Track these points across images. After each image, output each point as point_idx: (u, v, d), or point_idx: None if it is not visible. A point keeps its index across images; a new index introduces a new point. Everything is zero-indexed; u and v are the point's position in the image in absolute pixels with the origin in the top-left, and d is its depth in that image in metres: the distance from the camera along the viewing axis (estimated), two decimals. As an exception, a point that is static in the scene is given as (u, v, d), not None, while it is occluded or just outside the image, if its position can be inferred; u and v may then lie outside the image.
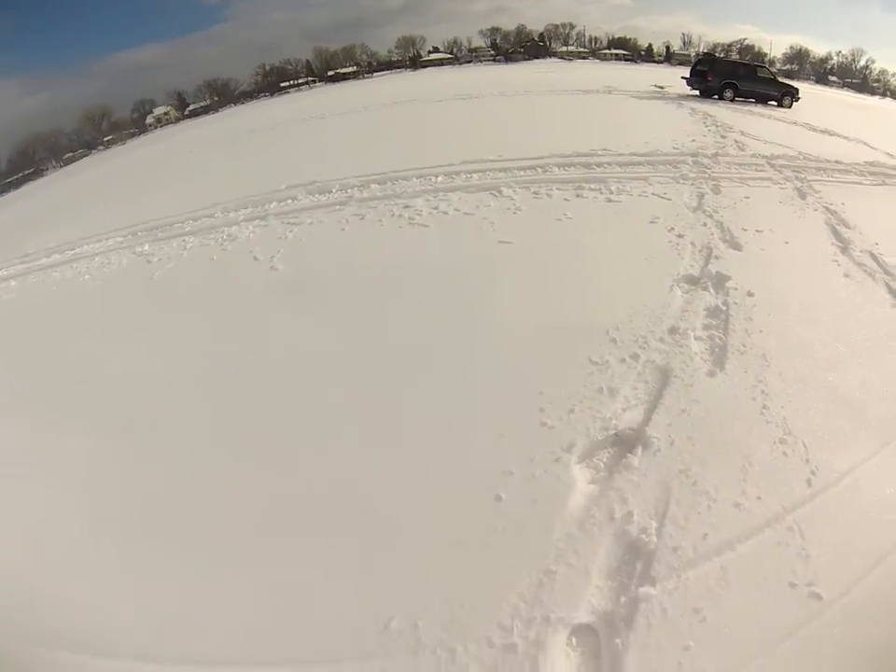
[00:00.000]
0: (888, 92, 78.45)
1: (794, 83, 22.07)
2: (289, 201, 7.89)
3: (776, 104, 19.41)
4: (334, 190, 7.83)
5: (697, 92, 20.45)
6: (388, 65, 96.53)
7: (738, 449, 2.85)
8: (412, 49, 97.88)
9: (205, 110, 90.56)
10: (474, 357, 3.66)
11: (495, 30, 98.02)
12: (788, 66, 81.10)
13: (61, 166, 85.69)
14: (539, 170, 7.52)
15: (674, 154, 8.75)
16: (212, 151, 18.10)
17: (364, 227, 6.17)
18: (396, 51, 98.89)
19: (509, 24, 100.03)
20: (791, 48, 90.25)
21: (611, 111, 14.97)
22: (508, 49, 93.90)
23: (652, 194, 6.58)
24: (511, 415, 3.08)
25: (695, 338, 3.69)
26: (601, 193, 6.54)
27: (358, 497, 2.73)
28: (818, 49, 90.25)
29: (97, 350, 4.76)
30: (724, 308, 4.03)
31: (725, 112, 15.40)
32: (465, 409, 3.21)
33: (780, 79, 20.63)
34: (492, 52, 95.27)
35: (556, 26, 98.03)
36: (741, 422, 3.03)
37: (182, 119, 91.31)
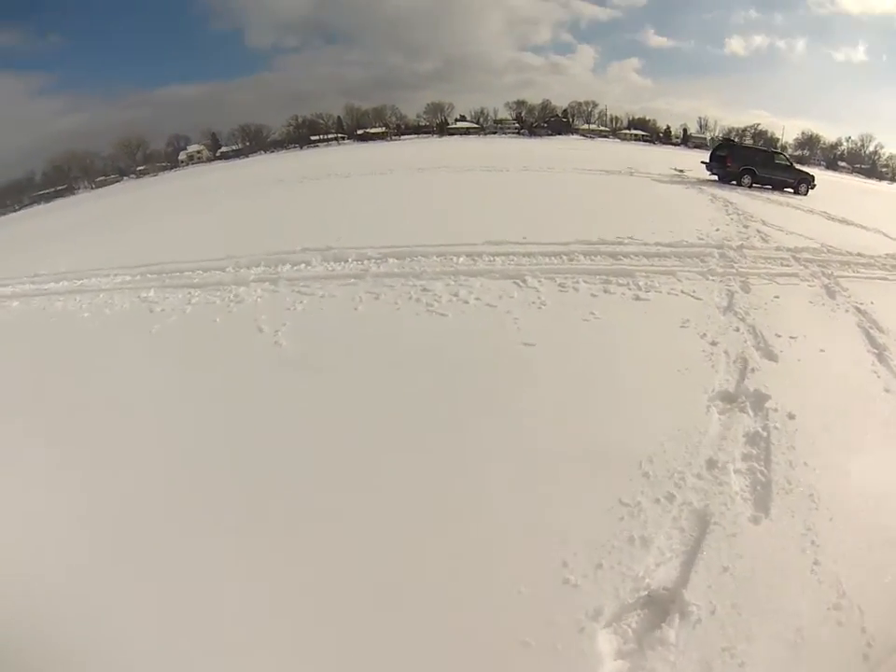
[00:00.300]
0: None
1: (807, 169, 22.23)
2: (303, 265, 7.68)
3: (792, 191, 19.52)
4: (350, 260, 7.60)
5: (716, 177, 20.67)
6: (416, 129, 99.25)
7: (789, 619, 2.41)
8: (440, 116, 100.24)
9: (236, 154, 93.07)
10: (486, 488, 3.18)
11: (520, 103, 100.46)
12: (799, 152, 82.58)
13: (92, 188, 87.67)
14: (565, 258, 7.27)
15: (700, 245, 8.56)
16: (236, 197, 18.22)
17: (378, 308, 5.86)
18: (424, 116, 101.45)
19: (534, 98, 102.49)
20: (803, 133, 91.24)
21: (635, 194, 14.91)
22: (532, 123, 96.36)
23: (682, 292, 6.29)
24: (529, 568, 2.61)
25: (735, 472, 3.26)
26: (629, 289, 6.25)
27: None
28: (828, 134, 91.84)
29: (75, 395, 4.70)
30: (765, 434, 3.62)
31: (744, 199, 15.43)
32: (475, 557, 2.72)
33: (796, 166, 20.81)
34: (516, 125, 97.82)
35: (580, 104, 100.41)
36: (791, 583, 2.59)
37: (213, 160, 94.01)
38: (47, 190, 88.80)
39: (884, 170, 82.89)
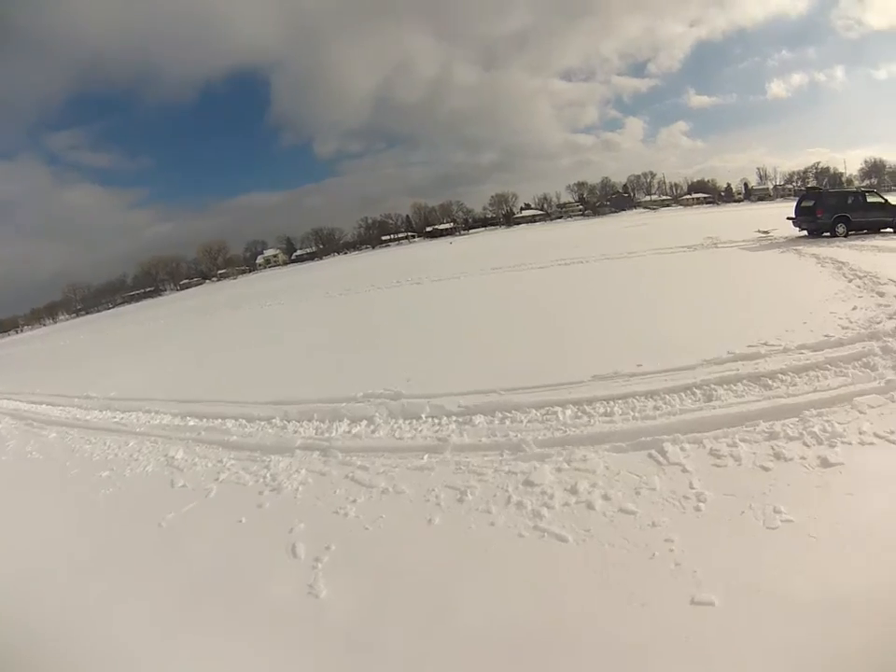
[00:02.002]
0: None
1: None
2: (364, 424, 6.06)
3: (892, 230, 17.09)
4: (424, 417, 5.86)
5: (806, 232, 18.44)
6: (483, 222, 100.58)
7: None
8: (504, 206, 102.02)
9: (310, 256, 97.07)
10: None
11: (581, 184, 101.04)
12: (866, 181, 77.19)
13: (177, 290, 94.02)
14: (700, 395, 5.26)
15: (850, 340, 6.43)
16: (300, 313, 17.67)
17: (463, 520, 3.85)
18: (490, 208, 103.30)
19: (593, 177, 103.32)
20: (866, 161, 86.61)
21: (733, 273, 12.84)
22: (595, 203, 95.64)
23: (877, 436, 4.13)
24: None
25: None
26: (806, 445, 4.11)
27: None
28: (893, 157, 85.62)
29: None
30: None
31: (853, 254, 13.41)
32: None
33: (891, 202, 17.83)
34: (580, 207, 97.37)
35: (637, 176, 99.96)
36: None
37: (288, 263, 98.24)
38: (136, 291, 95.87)
39: None
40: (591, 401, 5.39)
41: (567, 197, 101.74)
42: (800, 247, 16.00)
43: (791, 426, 4.46)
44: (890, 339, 6.22)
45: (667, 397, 5.29)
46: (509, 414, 5.47)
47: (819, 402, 4.84)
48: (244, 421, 7.03)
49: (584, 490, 3.87)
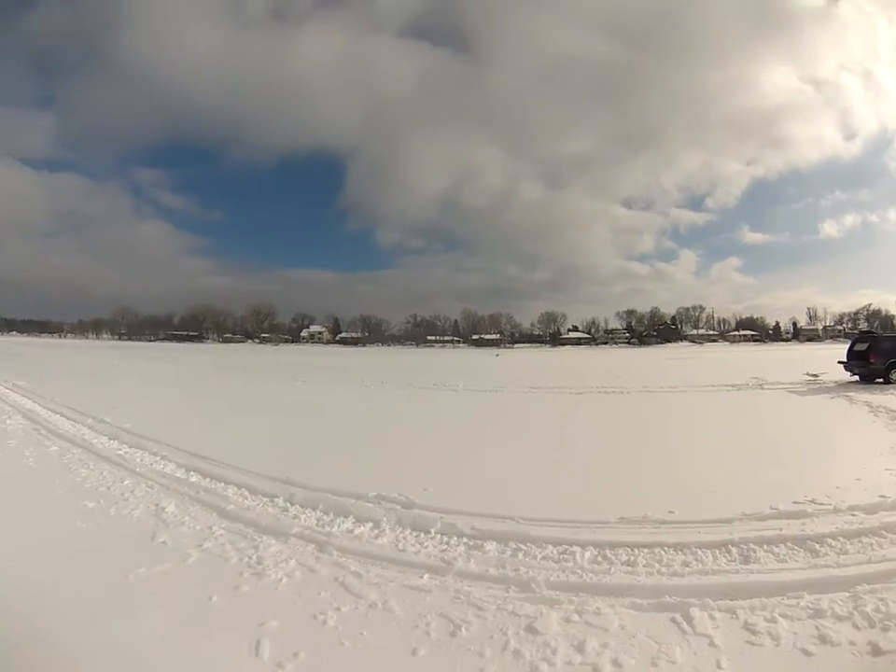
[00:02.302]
0: None
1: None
2: (369, 526, 5.58)
3: None
4: (433, 532, 5.38)
5: (858, 377, 17.78)
6: (529, 338, 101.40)
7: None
8: (552, 325, 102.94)
9: (355, 341, 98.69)
10: None
11: (630, 312, 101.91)
12: None
13: (219, 341, 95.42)
14: (736, 553, 4.69)
15: None
16: (333, 396, 17.24)
17: (449, 658, 3.32)
18: (538, 325, 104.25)
19: (642, 306, 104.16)
20: None
21: (777, 418, 12.24)
22: (642, 332, 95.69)
23: None
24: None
25: None
26: (857, 628, 3.50)
27: None
28: None
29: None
30: None
31: None
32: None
33: None
34: (626, 334, 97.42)
35: (687, 309, 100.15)
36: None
37: (332, 342, 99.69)
38: (180, 332, 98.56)
39: None
40: (614, 546, 4.86)
41: (615, 323, 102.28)
42: (851, 393, 15.38)
43: (840, 602, 3.88)
44: None
45: (699, 552, 4.72)
46: (523, 547, 4.97)
47: (872, 576, 4.25)
48: (246, 492, 6.73)
49: (593, 650, 3.33)
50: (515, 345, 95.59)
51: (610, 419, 12.64)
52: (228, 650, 3.38)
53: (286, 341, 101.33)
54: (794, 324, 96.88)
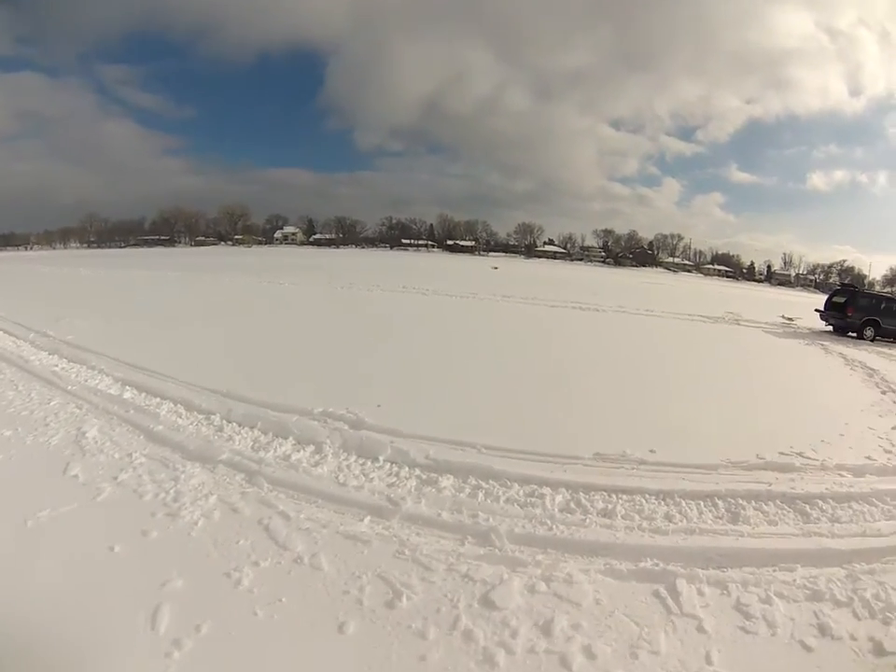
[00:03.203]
0: None
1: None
2: (310, 449, 5.00)
3: None
4: (381, 459, 4.76)
5: (832, 328, 17.97)
6: (505, 248, 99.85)
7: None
8: (529, 237, 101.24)
9: (328, 243, 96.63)
10: None
11: (608, 232, 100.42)
12: (889, 288, 76.68)
13: (191, 244, 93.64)
14: (722, 507, 4.15)
15: (894, 468, 5.39)
16: (295, 296, 16.31)
17: (383, 639, 2.71)
18: (514, 235, 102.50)
19: (621, 228, 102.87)
20: (892, 268, 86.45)
21: (756, 358, 11.87)
22: (618, 253, 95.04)
23: None
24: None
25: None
26: (857, 618, 2.99)
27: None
28: None
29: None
30: None
31: (882, 361, 12.77)
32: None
33: None
34: (602, 254, 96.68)
35: (665, 236, 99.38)
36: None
37: (306, 244, 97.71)
38: (151, 237, 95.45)
39: None
40: (588, 490, 4.28)
41: (591, 241, 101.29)
42: (826, 343, 15.21)
43: (839, 583, 3.39)
44: None
45: (683, 504, 4.19)
46: (484, 484, 4.36)
47: (869, 553, 3.79)
48: (181, 409, 6.05)
49: (561, 632, 2.76)
50: (490, 254, 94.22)
51: (585, 338, 12.12)
52: (121, 619, 2.73)
53: (259, 242, 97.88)
54: (769, 267, 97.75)
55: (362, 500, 4.11)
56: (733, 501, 4.31)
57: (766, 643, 2.85)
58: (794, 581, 3.36)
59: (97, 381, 7.20)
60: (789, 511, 4.30)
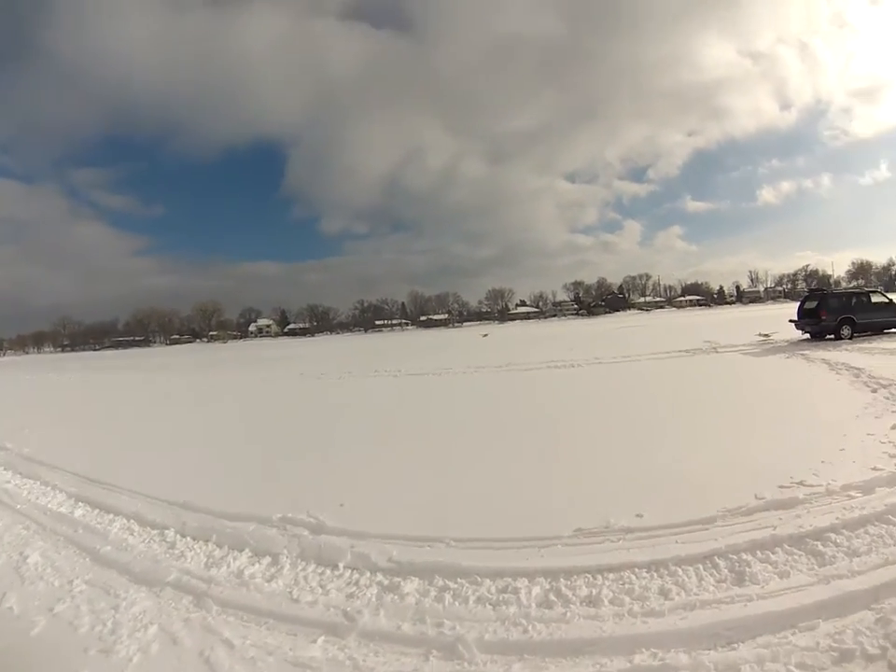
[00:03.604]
0: None
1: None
2: (266, 561, 4.52)
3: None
4: (341, 566, 4.25)
5: (809, 335, 18.19)
6: (478, 315, 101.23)
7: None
8: (500, 302, 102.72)
9: (303, 332, 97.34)
10: None
11: (577, 284, 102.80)
12: (854, 282, 79.21)
13: (166, 344, 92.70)
14: (724, 567, 3.64)
15: None
16: (267, 389, 15.60)
17: None
18: (486, 302, 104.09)
19: (590, 277, 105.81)
20: (853, 263, 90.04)
21: (738, 384, 11.62)
22: (590, 303, 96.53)
23: None
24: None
25: None
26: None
27: None
28: (878, 257, 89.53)
29: None
30: None
31: (864, 358, 12.92)
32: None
33: None
34: (575, 306, 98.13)
35: (633, 277, 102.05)
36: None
37: (281, 335, 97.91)
38: (126, 338, 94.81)
39: None
40: (569, 574, 3.76)
41: (562, 295, 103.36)
42: (806, 352, 15.18)
43: (868, 632, 2.91)
44: None
45: (680, 573, 3.69)
46: (452, 584, 3.82)
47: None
48: (134, 524, 5.61)
49: None
50: (464, 324, 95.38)
51: (560, 399, 11.67)
52: None
53: (234, 337, 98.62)
54: (737, 287, 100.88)
55: (316, 618, 3.59)
56: (735, 558, 3.81)
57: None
58: (817, 644, 2.86)
59: (49, 498, 6.83)
60: (800, 556, 3.82)
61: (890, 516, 4.24)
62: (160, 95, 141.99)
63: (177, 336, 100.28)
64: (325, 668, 3.03)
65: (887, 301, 17.83)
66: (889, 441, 6.11)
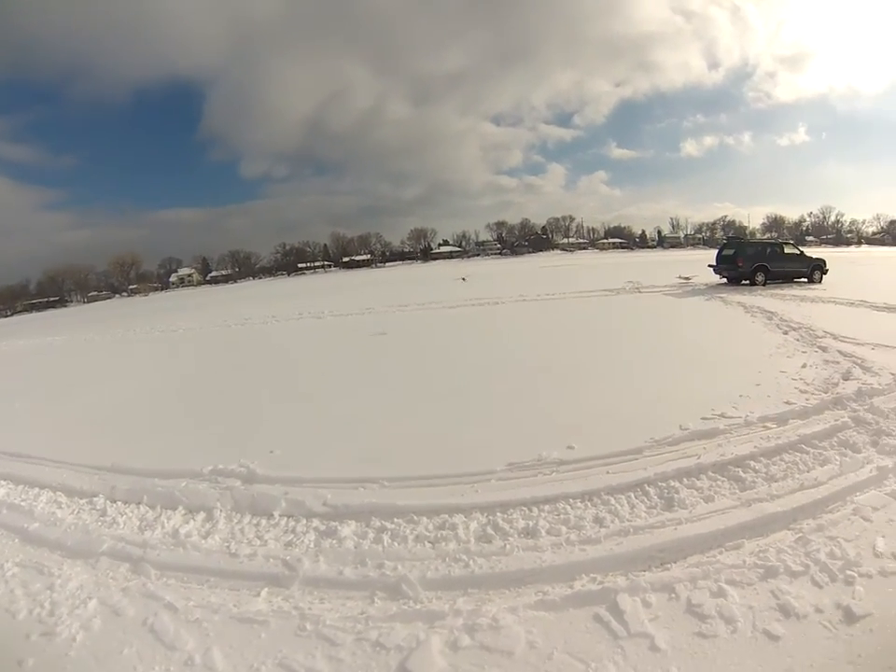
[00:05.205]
0: (862, 240, 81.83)
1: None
2: (200, 517, 4.43)
3: (806, 280, 18.33)
4: (276, 515, 4.24)
5: (726, 280, 19.47)
6: (401, 255, 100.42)
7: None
8: (423, 241, 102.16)
9: (225, 279, 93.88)
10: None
11: (500, 224, 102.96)
12: (767, 234, 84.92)
13: (84, 302, 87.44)
14: (654, 494, 3.90)
15: (815, 409, 5.53)
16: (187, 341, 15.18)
17: None
18: (408, 242, 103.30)
19: (513, 218, 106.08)
20: (767, 217, 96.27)
21: (662, 322, 12.16)
22: (513, 243, 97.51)
23: None
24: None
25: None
26: (818, 586, 2.86)
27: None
28: (790, 213, 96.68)
29: None
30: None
31: (776, 303, 13.75)
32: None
33: (806, 253, 19.60)
34: (498, 246, 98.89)
35: (557, 219, 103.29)
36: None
37: (202, 283, 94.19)
38: (40, 300, 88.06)
39: (849, 236, 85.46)
40: (505, 507, 3.90)
41: (485, 235, 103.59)
42: (723, 295, 16.09)
43: (790, 550, 3.20)
44: (855, 404, 5.51)
45: (612, 501, 3.90)
46: (389, 525, 3.88)
47: (812, 507, 3.69)
48: (62, 496, 5.23)
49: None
50: (387, 264, 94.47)
51: (484, 336, 11.86)
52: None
53: (155, 289, 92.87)
54: (659, 232, 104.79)
55: (257, 571, 3.57)
56: (664, 485, 4.07)
57: (728, 644, 2.56)
58: (744, 561, 3.12)
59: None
60: (723, 482, 4.13)
61: (803, 445, 4.65)
62: (62, 32, 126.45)
63: (95, 293, 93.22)
64: (272, 621, 3.02)
65: (798, 252, 19.36)
66: (800, 379, 6.57)
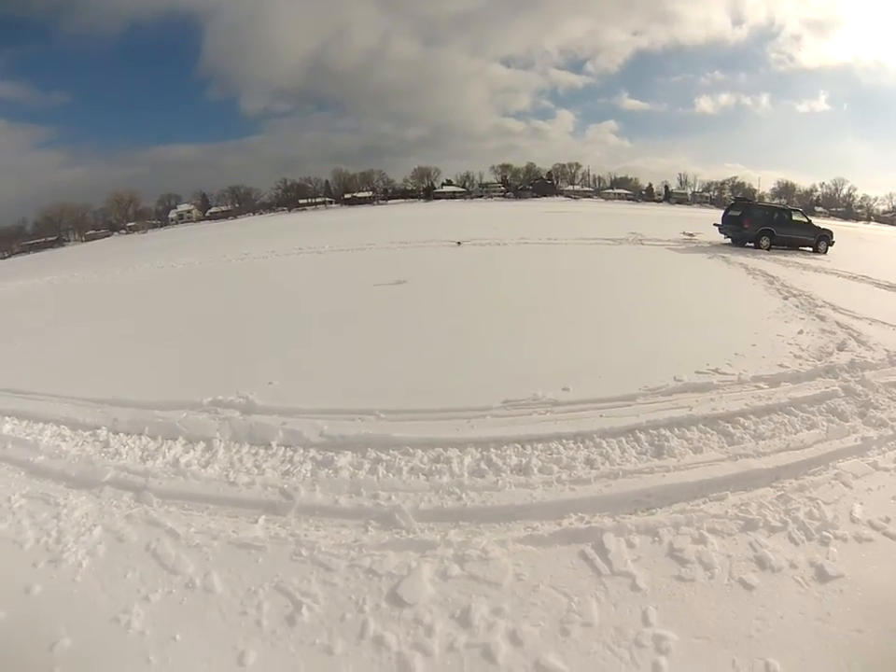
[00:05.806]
0: (871, 217, 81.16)
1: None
2: (200, 447, 4.49)
3: (811, 249, 17.91)
4: (274, 444, 4.33)
5: (730, 240, 19.02)
6: (403, 194, 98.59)
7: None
8: (426, 180, 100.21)
9: (225, 215, 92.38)
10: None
11: (505, 167, 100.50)
12: (776, 200, 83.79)
13: (82, 241, 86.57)
14: (644, 440, 4.00)
15: (807, 374, 5.58)
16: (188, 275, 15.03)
17: (287, 661, 2.38)
18: (411, 181, 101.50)
19: (518, 162, 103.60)
20: (778, 182, 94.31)
21: (662, 275, 12.18)
22: (517, 186, 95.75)
23: (875, 527, 3.12)
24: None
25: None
26: (794, 543, 2.97)
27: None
28: (802, 182, 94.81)
29: None
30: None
31: (779, 268, 13.46)
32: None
33: (814, 223, 19.08)
34: (502, 188, 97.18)
35: (563, 165, 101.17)
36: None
37: (202, 220, 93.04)
38: (37, 241, 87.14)
39: (859, 211, 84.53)
40: (500, 444, 3.99)
41: (489, 177, 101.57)
42: (726, 255, 15.91)
43: (771, 506, 3.30)
44: (847, 375, 5.52)
45: (604, 444, 3.99)
46: (384, 456, 3.97)
47: (796, 468, 3.78)
48: (65, 429, 5.28)
49: (482, 621, 2.46)
50: (389, 201, 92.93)
51: (487, 277, 11.83)
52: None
53: (154, 226, 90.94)
54: (666, 187, 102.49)
55: (255, 498, 3.68)
56: (655, 433, 4.16)
57: (705, 589, 2.67)
58: (726, 512, 3.23)
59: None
60: (712, 435, 4.22)
61: (793, 408, 4.71)
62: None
63: (93, 232, 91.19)
64: (269, 546, 3.13)
65: (805, 220, 18.92)
66: (796, 344, 6.60)
